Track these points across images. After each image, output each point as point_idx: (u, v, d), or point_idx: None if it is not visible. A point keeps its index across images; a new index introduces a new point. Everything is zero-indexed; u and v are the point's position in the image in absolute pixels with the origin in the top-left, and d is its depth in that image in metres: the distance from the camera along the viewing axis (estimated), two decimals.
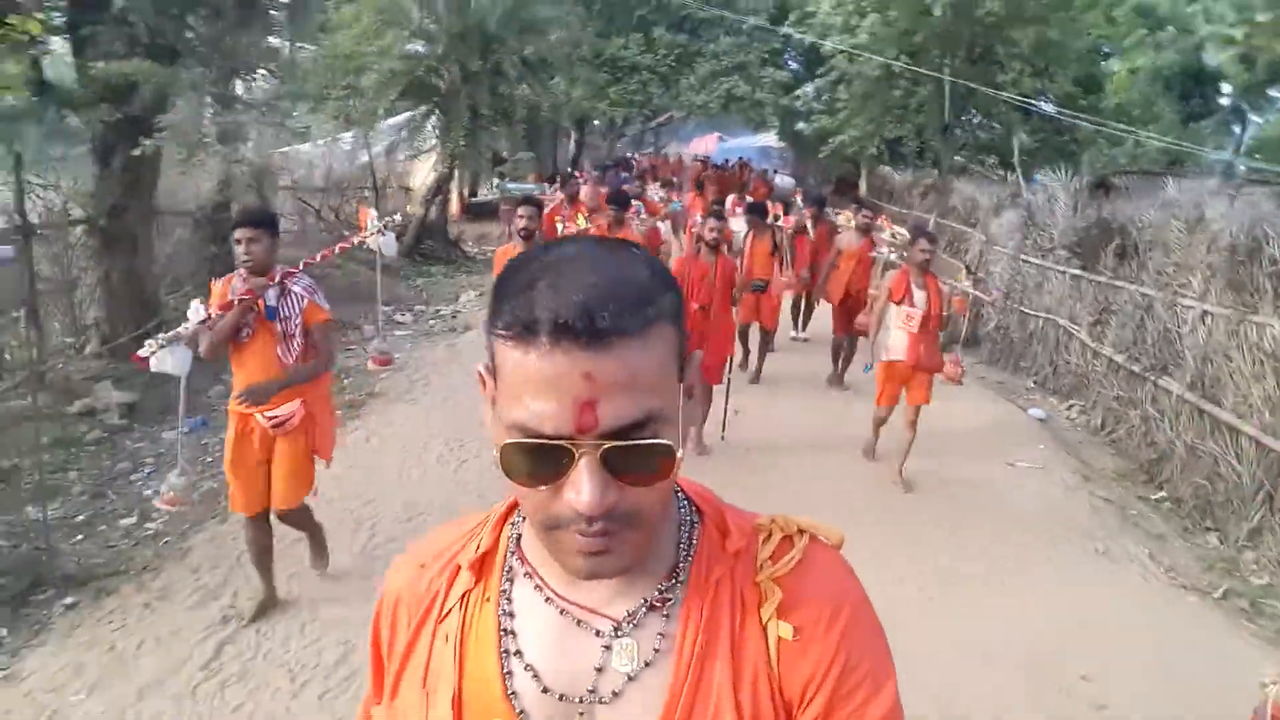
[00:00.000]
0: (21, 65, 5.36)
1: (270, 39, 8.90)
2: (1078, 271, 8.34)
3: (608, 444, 0.70)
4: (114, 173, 6.97)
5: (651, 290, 0.73)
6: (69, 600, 3.83)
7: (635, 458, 0.72)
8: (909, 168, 18.13)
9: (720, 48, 18.65)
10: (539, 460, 0.72)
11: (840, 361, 7.94)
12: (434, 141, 15.62)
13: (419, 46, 13.87)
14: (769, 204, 9.11)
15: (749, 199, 12.76)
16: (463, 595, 0.87)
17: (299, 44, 9.96)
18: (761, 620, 0.82)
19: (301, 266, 3.84)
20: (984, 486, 5.80)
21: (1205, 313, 6.08)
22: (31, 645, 3.49)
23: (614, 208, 7.23)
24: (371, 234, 4.46)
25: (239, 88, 8.38)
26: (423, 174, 17.01)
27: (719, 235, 5.88)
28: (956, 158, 16.14)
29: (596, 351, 0.69)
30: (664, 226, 9.89)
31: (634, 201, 9.55)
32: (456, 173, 16.02)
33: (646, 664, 0.80)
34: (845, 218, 9.00)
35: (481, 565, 0.88)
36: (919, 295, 5.42)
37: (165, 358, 3.45)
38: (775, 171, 24.26)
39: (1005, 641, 3.90)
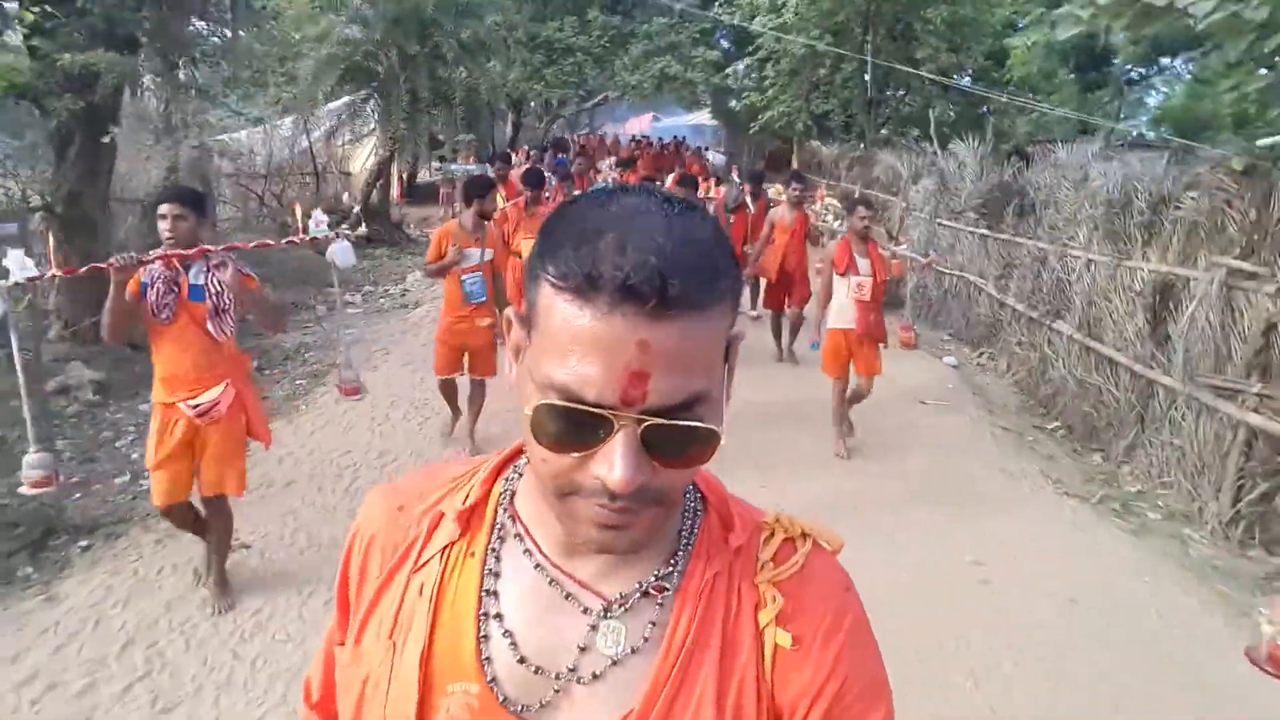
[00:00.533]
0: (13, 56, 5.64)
1: (213, 25, 9.16)
2: (985, 231, 9.11)
3: (651, 420, 0.66)
4: (71, 161, 7.22)
5: (722, 264, 0.69)
6: (83, 544, 4.25)
7: (676, 439, 0.68)
8: (836, 141, 18.91)
9: (653, 29, 19.17)
10: (573, 427, 0.67)
11: (787, 335, 7.98)
12: (373, 125, 15.88)
13: (356, 31, 14.07)
14: (699, 180, 9.58)
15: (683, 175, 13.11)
16: (444, 546, 0.84)
17: (239, 30, 10.16)
18: (759, 624, 0.79)
19: (222, 249, 3.59)
20: (905, 424, 6.47)
21: (1089, 261, 6.84)
22: (60, 578, 3.92)
23: (530, 188, 7.10)
24: (320, 236, 4.14)
25: (182, 75, 8.64)
26: (362, 158, 17.21)
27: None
28: (881, 131, 16.89)
29: (658, 321, 0.64)
30: None
31: (550, 178, 9.43)
32: (396, 156, 16.25)
33: (633, 649, 0.78)
34: (776, 190, 9.18)
35: (469, 518, 0.85)
36: (862, 264, 5.47)
37: None
38: (708, 149, 24.81)
39: (911, 534, 4.59)
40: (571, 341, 0.65)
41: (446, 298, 5.36)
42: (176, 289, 3.32)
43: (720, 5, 17.55)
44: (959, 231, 9.77)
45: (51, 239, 3.69)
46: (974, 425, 6.51)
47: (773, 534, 0.85)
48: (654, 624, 0.78)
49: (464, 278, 5.19)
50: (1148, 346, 5.96)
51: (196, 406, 3.37)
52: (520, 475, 0.86)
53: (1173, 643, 3.76)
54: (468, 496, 0.86)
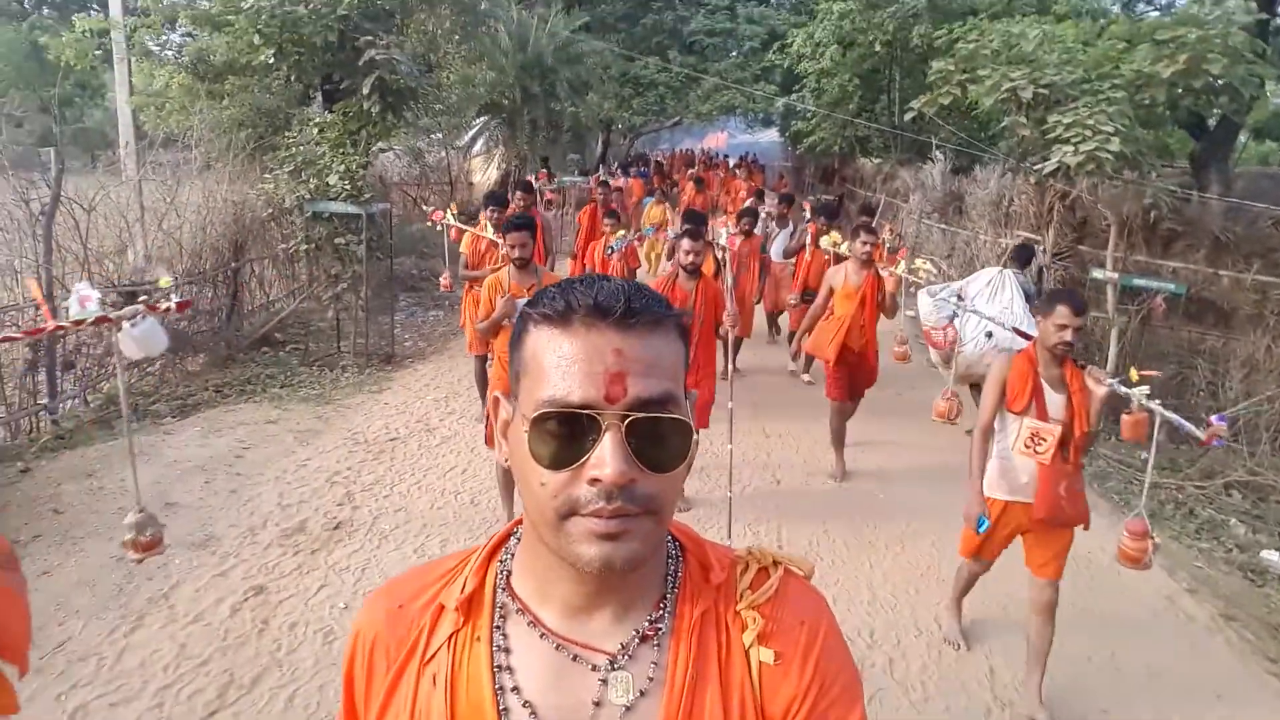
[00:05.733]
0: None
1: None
2: (943, 226, 13.00)
3: (633, 415, 0.78)
4: None
5: (665, 300, 0.86)
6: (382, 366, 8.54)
7: (657, 436, 0.79)
8: (877, 158, 22.79)
9: (722, 67, 23.55)
10: (565, 437, 0.78)
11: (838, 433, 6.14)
12: (499, 146, 20.43)
13: (493, 74, 18.64)
14: (754, 203, 10.27)
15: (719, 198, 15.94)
16: (449, 636, 0.90)
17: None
18: (744, 646, 0.89)
19: None
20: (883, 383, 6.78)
21: (981, 239, 10.74)
22: (351, 393, 8.22)
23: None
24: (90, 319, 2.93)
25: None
26: (482, 172, 21.80)
27: (697, 258, 5.15)
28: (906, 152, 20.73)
29: (626, 332, 0.80)
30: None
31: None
32: (516, 171, 20.81)
33: (641, 693, 0.85)
34: (832, 240, 7.09)
35: (469, 606, 0.91)
36: (1054, 400, 3.48)
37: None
38: (754, 157, 27.80)
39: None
40: (557, 360, 0.79)
41: (498, 359, 4.80)
42: None
43: (774, 51, 21.80)
44: (932, 226, 13.68)
45: None
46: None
47: (747, 566, 0.95)
48: (655, 664, 0.86)
49: None
50: None
51: None
52: (513, 556, 0.94)
53: None
54: (464, 586, 0.92)
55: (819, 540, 5.12)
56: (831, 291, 5.89)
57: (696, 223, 6.70)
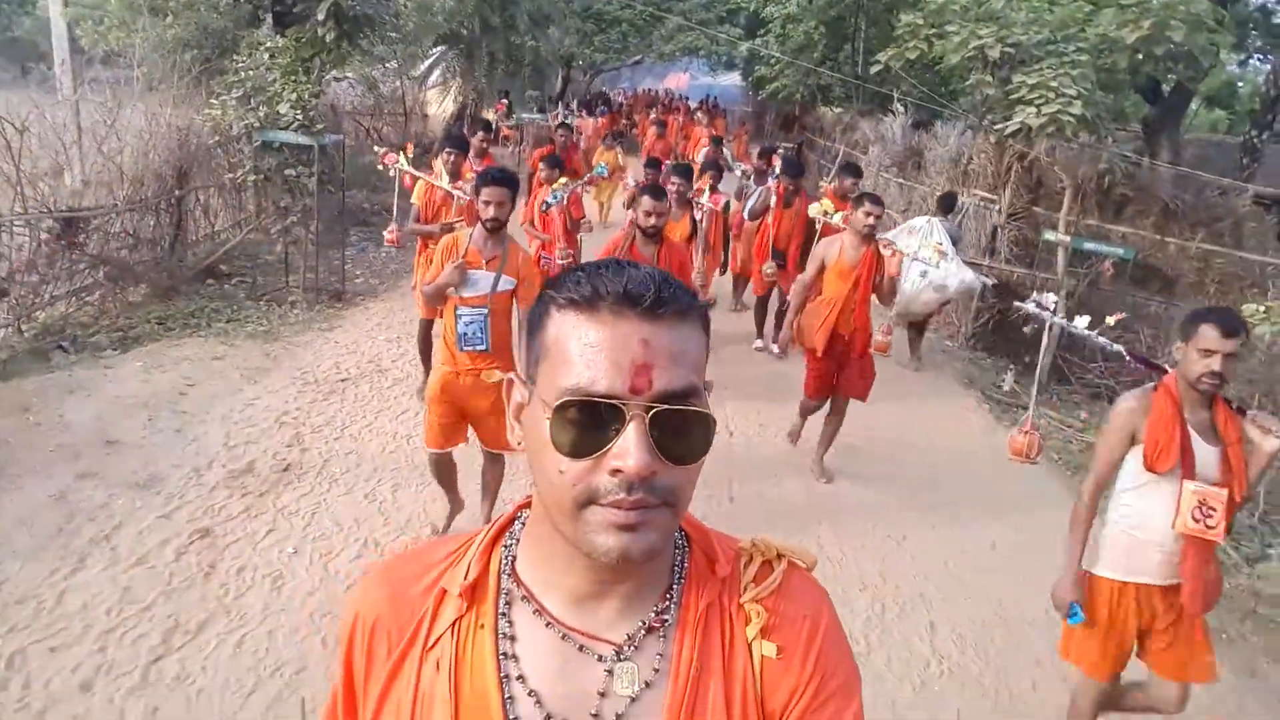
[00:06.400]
0: None
1: None
2: (900, 180, 13.04)
3: (658, 407, 0.77)
4: None
5: (692, 291, 0.85)
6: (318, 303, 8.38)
7: (680, 429, 0.78)
8: (839, 108, 22.67)
9: (687, 7, 23.04)
10: (587, 426, 0.77)
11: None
12: (457, 78, 19.85)
13: (452, 1, 18.02)
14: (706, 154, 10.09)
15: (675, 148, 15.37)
16: (453, 622, 0.89)
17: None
18: (747, 639, 0.89)
19: None
20: None
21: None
22: (299, 329, 8.07)
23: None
24: None
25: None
26: (438, 104, 21.22)
27: (659, 220, 4.74)
28: (867, 104, 20.64)
29: (654, 322, 0.78)
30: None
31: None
32: (473, 105, 20.27)
33: (647, 684, 0.85)
34: (822, 208, 6.01)
35: (473, 592, 0.90)
36: (1207, 455, 2.68)
37: None
38: (715, 101, 27.32)
39: None
40: (583, 347, 0.78)
41: (442, 337, 4.01)
42: None
43: None
44: (890, 180, 13.71)
45: None
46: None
47: (751, 558, 0.95)
48: (661, 655, 0.87)
49: (460, 311, 3.75)
50: None
51: None
52: (518, 541, 0.93)
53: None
54: (468, 571, 0.91)
55: (768, 494, 5.20)
56: (823, 267, 5.12)
57: (677, 174, 6.75)
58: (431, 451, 4.05)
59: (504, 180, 3.86)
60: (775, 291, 7.46)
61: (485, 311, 3.75)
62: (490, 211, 3.78)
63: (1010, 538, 4.90)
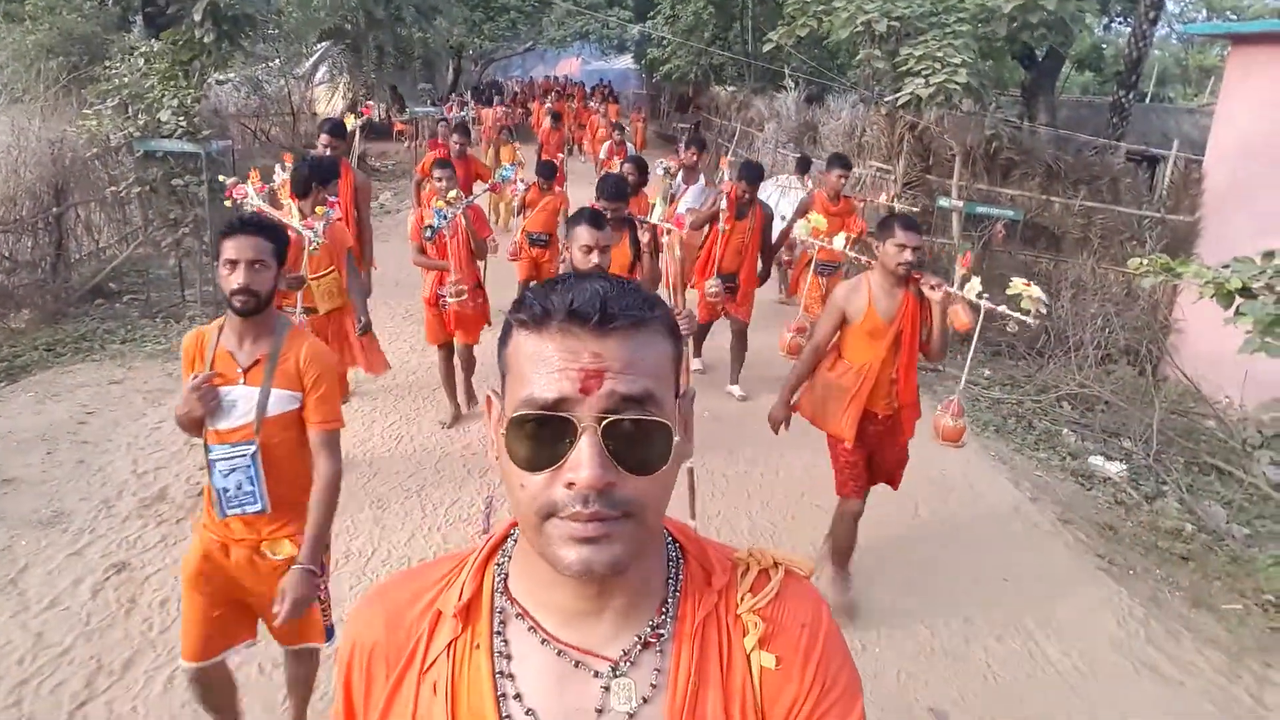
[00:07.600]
0: None
1: None
2: (797, 155, 13.26)
3: (610, 417, 0.76)
4: None
5: (649, 300, 0.84)
6: None
7: (635, 438, 0.78)
8: (732, 87, 22.93)
9: None
10: (542, 440, 0.77)
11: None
12: (345, 75, 19.29)
13: None
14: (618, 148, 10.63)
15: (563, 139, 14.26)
16: (449, 643, 0.89)
17: None
18: (745, 650, 0.88)
19: None
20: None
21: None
22: None
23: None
24: None
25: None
26: (326, 102, 20.59)
27: (603, 257, 3.39)
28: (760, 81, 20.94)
29: (604, 335, 0.78)
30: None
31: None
32: (362, 100, 19.73)
33: (644, 699, 0.84)
34: (807, 226, 5.05)
35: (468, 612, 0.90)
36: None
37: None
38: (609, 85, 27.18)
39: None
40: (536, 362, 0.79)
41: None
42: None
43: None
44: (787, 155, 13.95)
45: None
46: None
47: (748, 567, 0.93)
48: (658, 670, 0.85)
49: (214, 454, 2.45)
50: None
51: None
52: (510, 559, 0.92)
53: None
54: (462, 592, 0.90)
55: (722, 470, 5.26)
56: (844, 321, 3.71)
57: (546, 175, 7.00)
58: (189, 666, 2.52)
59: (256, 229, 2.42)
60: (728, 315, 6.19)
61: (252, 451, 2.42)
62: (236, 279, 2.34)
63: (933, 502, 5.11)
